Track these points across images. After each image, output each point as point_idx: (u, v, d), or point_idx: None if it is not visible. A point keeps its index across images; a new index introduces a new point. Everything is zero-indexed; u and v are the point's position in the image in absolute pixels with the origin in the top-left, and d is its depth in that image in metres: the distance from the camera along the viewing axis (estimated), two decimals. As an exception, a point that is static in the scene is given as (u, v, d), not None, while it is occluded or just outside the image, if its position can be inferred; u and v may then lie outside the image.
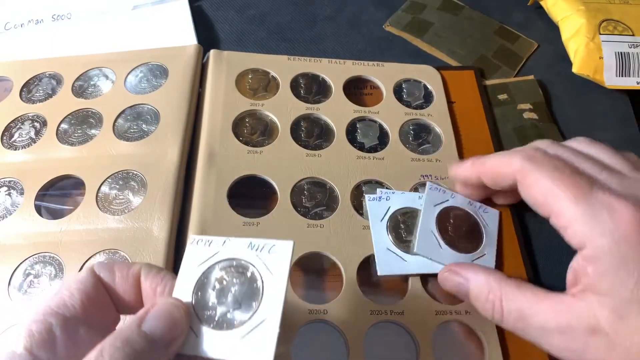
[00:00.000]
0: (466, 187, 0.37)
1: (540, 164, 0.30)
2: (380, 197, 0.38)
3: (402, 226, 0.37)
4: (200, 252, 0.26)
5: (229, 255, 0.26)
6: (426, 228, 0.36)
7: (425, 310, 0.34)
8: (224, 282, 0.25)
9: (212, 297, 0.25)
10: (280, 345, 0.23)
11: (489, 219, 0.37)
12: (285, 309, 0.24)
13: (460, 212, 0.37)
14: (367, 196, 0.38)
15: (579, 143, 0.33)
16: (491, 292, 0.30)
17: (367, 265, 0.36)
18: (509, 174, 0.31)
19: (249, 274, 0.25)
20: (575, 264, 0.28)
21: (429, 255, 0.35)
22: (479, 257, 0.36)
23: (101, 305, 0.25)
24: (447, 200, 0.37)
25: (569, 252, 0.38)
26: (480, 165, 0.34)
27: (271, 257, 0.26)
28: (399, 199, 0.38)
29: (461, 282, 0.32)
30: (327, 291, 0.35)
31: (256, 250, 0.26)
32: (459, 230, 0.36)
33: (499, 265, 0.36)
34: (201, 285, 0.25)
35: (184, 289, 0.25)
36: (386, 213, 0.37)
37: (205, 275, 0.26)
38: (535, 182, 0.29)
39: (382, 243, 0.36)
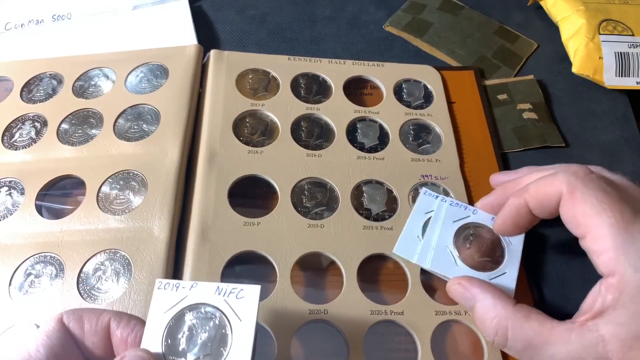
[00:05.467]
0: (512, 226, 0.34)
1: (588, 182, 0.29)
2: (437, 196, 0.38)
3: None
4: (168, 297, 0.27)
5: (197, 300, 0.26)
6: (442, 244, 0.35)
7: (425, 310, 0.34)
8: (193, 329, 0.26)
9: (182, 343, 0.25)
10: None
11: (513, 237, 0.36)
12: (254, 354, 0.25)
13: (481, 228, 0.36)
14: (422, 189, 0.38)
15: (601, 170, 0.32)
16: (497, 317, 0.29)
17: (367, 264, 0.36)
18: (554, 192, 0.29)
19: (217, 321, 0.26)
20: (595, 290, 0.28)
21: (442, 272, 0.34)
22: (498, 276, 0.34)
23: (68, 357, 0.25)
24: (468, 216, 0.37)
25: (567, 259, 0.38)
26: (523, 192, 0.32)
27: (239, 303, 0.26)
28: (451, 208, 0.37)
29: (468, 298, 0.32)
30: (327, 291, 0.35)
31: (224, 295, 0.26)
32: (479, 248, 0.35)
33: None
34: (170, 332, 0.26)
35: (153, 337, 0.25)
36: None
37: (175, 321, 0.26)
38: (582, 199, 0.28)
39: (414, 229, 0.36)
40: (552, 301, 0.37)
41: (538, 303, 0.36)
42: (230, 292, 0.26)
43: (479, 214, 0.37)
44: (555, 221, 0.33)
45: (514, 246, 0.36)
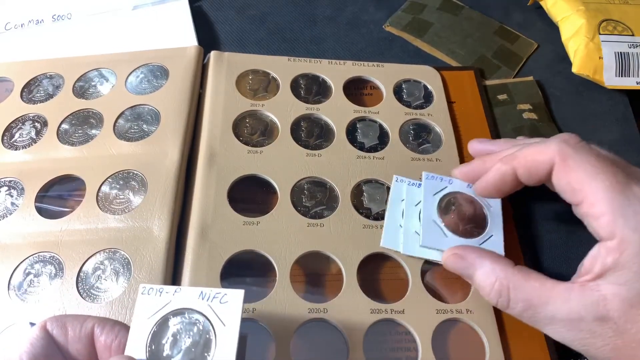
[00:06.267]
0: (493, 190, 0.35)
1: (580, 149, 0.29)
2: (409, 182, 0.39)
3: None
4: (152, 302, 0.26)
5: (181, 305, 0.26)
6: (428, 219, 0.36)
7: (426, 309, 0.34)
8: (177, 334, 0.25)
9: (165, 349, 0.25)
10: None
11: (491, 199, 0.37)
12: (242, 359, 0.25)
13: (461, 196, 0.37)
14: (394, 177, 0.39)
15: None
16: (498, 280, 0.30)
17: (367, 263, 0.36)
18: (545, 161, 0.30)
19: (201, 326, 0.26)
20: (595, 252, 0.28)
21: (435, 246, 0.35)
22: (486, 240, 0.35)
23: None
24: (446, 187, 0.37)
25: (565, 241, 0.39)
26: (511, 159, 0.32)
27: (223, 308, 0.26)
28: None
29: (466, 267, 0.32)
30: (327, 290, 0.35)
31: (207, 300, 0.26)
32: (462, 215, 0.36)
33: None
34: (154, 338, 0.25)
35: (137, 344, 0.25)
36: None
37: (158, 326, 0.26)
38: (575, 166, 0.29)
39: (395, 220, 0.37)
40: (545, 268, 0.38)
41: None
42: (214, 297, 0.26)
43: (455, 183, 0.37)
44: (546, 190, 0.34)
45: (494, 208, 0.36)
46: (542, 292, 0.28)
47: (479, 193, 0.35)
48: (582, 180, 0.28)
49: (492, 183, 0.34)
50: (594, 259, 0.28)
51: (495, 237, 0.35)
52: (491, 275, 0.30)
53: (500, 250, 0.35)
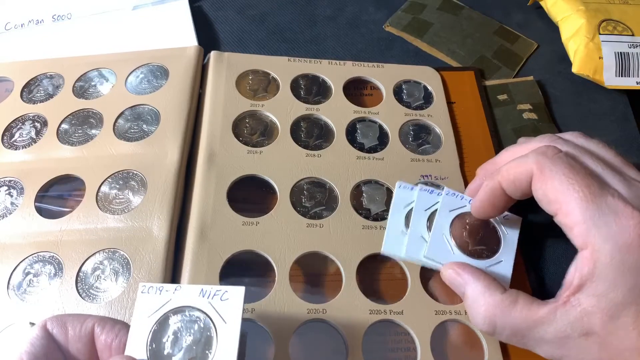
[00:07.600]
0: (488, 208, 0.35)
1: (556, 160, 0.30)
2: (412, 187, 0.38)
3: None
4: (152, 300, 0.26)
5: (181, 303, 0.26)
6: (439, 232, 0.36)
7: (425, 310, 0.34)
8: (178, 332, 0.25)
9: (166, 347, 0.25)
10: None
11: (509, 225, 0.36)
12: (243, 356, 0.25)
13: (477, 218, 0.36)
14: (397, 182, 0.39)
15: (576, 138, 0.33)
16: (485, 305, 0.30)
17: (366, 264, 0.36)
18: (525, 172, 0.30)
19: (202, 323, 0.26)
20: (574, 264, 0.29)
21: (438, 260, 0.35)
22: (494, 264, 0.35)
23: None
24: (465, 206, 0.37)
25: (567, 253, 0.38)
26: (496, 174, 0.32)
27: (223, 305, 0.26)
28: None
29: (460, 284, 0.32)
30: (326, 290, 0.35)
31: (208, 297, 0.26)
32: (474, 236, 0.35)
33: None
34: (155, 336, 0.25)
35: (137, 343, 0.25)
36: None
37: (159, 324, 0.26)
38: (551, 178, 0.29)
39: (397, 225, 0.37)
40: (550, 284, 0.37)
41: (535, 286, 0.37)
42: (214, 294, 0.26)
43: None
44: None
45: (510, 235, 0.36)
46: (529, 316, 0.29)
47: (477, 213, 0.35)
48: (557, 191, 0.29)
49: (484, 200, 0.33)
50: (573, 271, 0.28)
51: (504, 263, 0.35)
52: (480, 298, 0.31)
53: (507, 277, 0.34)
